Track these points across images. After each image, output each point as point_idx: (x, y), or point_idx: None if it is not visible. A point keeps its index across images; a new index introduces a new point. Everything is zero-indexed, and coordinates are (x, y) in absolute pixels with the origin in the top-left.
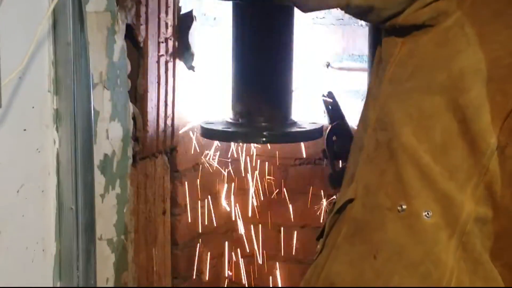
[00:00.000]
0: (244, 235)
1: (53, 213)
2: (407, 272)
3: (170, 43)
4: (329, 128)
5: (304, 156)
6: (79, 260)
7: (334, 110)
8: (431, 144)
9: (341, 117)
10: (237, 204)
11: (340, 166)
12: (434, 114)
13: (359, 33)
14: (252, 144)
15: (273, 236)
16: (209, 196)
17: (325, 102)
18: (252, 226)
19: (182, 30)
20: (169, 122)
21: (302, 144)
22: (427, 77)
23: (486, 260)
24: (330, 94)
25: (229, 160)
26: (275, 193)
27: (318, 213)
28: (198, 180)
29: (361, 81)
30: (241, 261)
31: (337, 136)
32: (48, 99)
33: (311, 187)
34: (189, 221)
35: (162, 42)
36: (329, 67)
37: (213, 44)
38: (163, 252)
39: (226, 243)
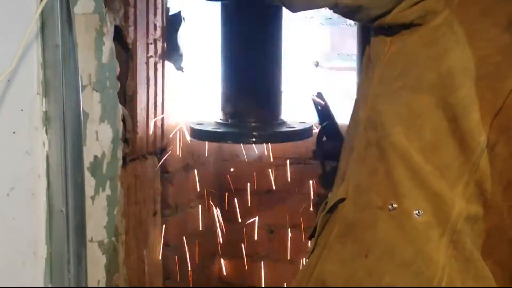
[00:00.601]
0: (235, 235)
1: (44, 215)
2: (398, 271)
3: (159, 44)
4: (319, 128)
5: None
6: (70, 262)
7: (323, 111)
8: (422, 143)
9: (331, 117)
10: (229, 204)
11: (331, 166)
12: (423, 113)
13: (348, 32)
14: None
15: (264, 236)
16: (200, 197)
17: (314, 102)
18: (243, 225)
19: (170, 31)
20: (158, 123)
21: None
22: (416, 76)
23: (477, 258)
24: (319, 95)
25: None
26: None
27: (309, 212)
28: (189, 181)
29: (350, 80)
30: (232, 261)
31: (327, 136)
32: (37, 102)
33: (302, 187)
34: (180, 222)
35: (151, 43)
36: (318, 66)
37: (201, 44)
38: (154, 254)
39: (218, 243)
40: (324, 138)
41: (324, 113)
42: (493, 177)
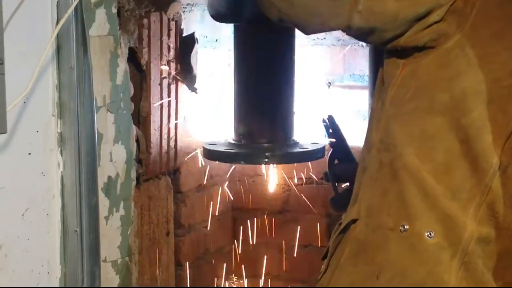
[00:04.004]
0: (248, 255)
1: (58, 236)
2: None
3: (173, 65)
4: (330, 152)
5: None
6: (84, 282)
7: (334, 134)
8: (434, 164)
9: (342, 140)
10: (241, 224)
11: (343, 188)
12: (436, 135)
13: (360, 53)
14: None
15: (277, 256)
16: (212, 217)
17: (325, 126)
18: (255, 245)
19: (184, 53)
20: (172, 143)
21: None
22: (429, 98)
23: (488, 280)
24: (330, 118)
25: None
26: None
27: (321, 233)
28: (202, 201)
29: (362, 100)
30: (245, 280)
31: (339, 159)
32: (52, 123)
33: (315, 207)
34: (193, 242)
35: (165, 65)
36: (330, 87)
37: (215, 66)
38: (167, 273)
39: (230, 263)
40: (336, 162)
41: (335, 136)
42: (505, 199)
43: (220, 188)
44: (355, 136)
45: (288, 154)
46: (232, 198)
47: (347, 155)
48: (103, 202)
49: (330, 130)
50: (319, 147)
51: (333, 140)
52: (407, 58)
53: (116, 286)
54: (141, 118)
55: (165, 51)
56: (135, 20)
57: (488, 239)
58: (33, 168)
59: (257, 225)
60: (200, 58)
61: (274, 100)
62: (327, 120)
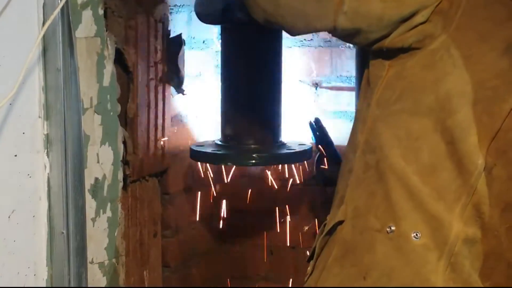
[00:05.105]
0: (236, 256)
1: (45, 238)
2: None
3: (160, 67)
4: (317, 155)
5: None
6: (70, 284)
7: (321, 137)
8: (419, 165)
9: (329, 143)
10: (229, 225)
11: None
12: (422, 136)
13: (347, 54)
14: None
15: (265, 257)
16: (199, 218)
17: (312, 129)
18: (243, 246)
19: (171, 54)
20: (159, 145)
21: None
22: (414, 99)
23: (475, 281)
24: (317, 121)
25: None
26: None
27: (309, 234)
28: (189, 202)
29: (349, 102)
30: (232, 282)
31: (327, 162)
32: (38, 125)
33: (302, 208)
34: (180, 243)
35: (152, 66)
36: (317, 88)
37: (202, 67)
38: (154, 275)
39: (219, 264)
40: (324, 166)
41: (322, 139)
42: (491, 199)
43: (209, 189)
44: (342, 137)
45: (275, 155)
46: (220, 199)
47: (334, 158)
48: (90, 204)
49: (317, 133)
50: (306, 148)
51: (320, 143)
52: (392, 59)
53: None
54: (128, 120)
55: (152, 53)
56: (122, 21)
57: (475, 239)
58: (19, 170)
59: (244, 225)
60: (187, 59)
61: (261, 102)
62: (314, 123)
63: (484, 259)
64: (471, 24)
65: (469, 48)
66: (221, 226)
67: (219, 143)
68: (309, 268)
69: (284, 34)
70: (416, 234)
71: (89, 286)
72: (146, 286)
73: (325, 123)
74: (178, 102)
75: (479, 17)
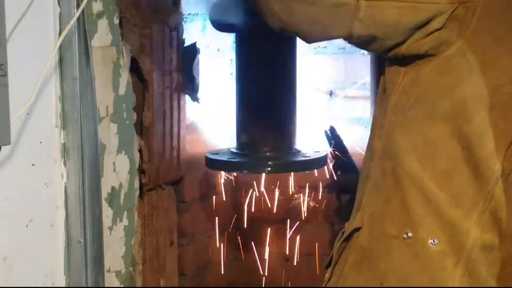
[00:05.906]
0: (251, 264)
1: (62, 246)
2: None
3: (175, 75)
4: (332, 163)
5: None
6: None
7: (336, 145)
8: (436, 171)
9: (344, 151)
10: (245, 233)
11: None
12: (438, 142)
13: (361, 61)
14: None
15: (280, 264)
16: (216, 226)
17: (327, 137)
18: (259, 254)
19: (186, 62)
20: (174, 153)
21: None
22: (430, 105)
23: (492, 287)
24: (332, 129)
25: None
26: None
27: (324, 241)
28: (205, 211)
29: (364, 108)
30: None
31: (341, 170)
32: (55, 134)
33: (317, 216)
34: (196, 251)
35: (167, 75)
36: (332, 95)
37: (217, 75)
38: (171, 283)
39: (234, 272)
40: (339, 173)
41: (337, 147)
42: (508, 206)
43: (224, 197)
44: (357, 143)
45: (290, 163)
46: (235, 207)
47: (349, 166)
48: (107, 213)
49: (333, 141)
50: (321, 155)
51: (335, 151)
52: (408, 65)
53: None
54: (143, 128)
55: (167, 61)
56: (137, 30)
57: (492, 246)
58: (36, 179)
59: (260, 233)
60: (202, 67)
61: (276, 109)
62: (329, 132)
63: (501, 265)
64: (486, 28)
65: (485, 53)
66: (237, 234)
67: (235, 151)
68: (326, 275)
69: (299, 42)
70: (433, 240)
71: None
72: None
73: (340, 130)
74: (193, 111)
75: (494, 21)
